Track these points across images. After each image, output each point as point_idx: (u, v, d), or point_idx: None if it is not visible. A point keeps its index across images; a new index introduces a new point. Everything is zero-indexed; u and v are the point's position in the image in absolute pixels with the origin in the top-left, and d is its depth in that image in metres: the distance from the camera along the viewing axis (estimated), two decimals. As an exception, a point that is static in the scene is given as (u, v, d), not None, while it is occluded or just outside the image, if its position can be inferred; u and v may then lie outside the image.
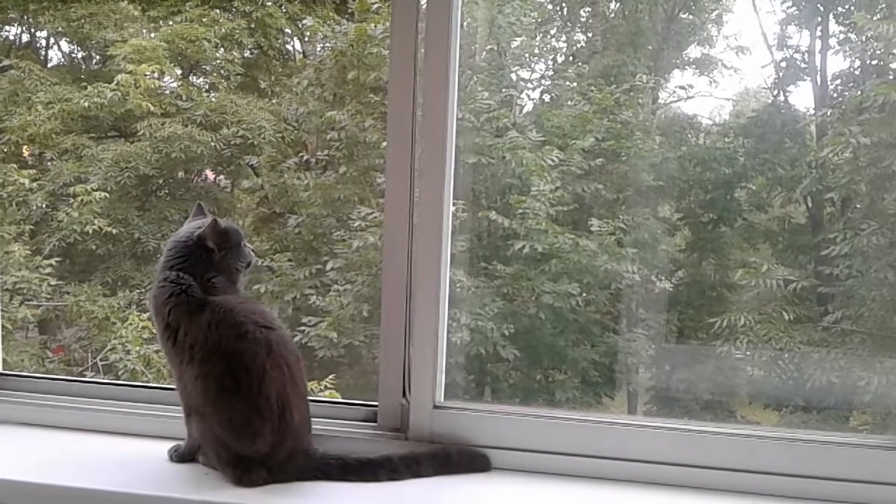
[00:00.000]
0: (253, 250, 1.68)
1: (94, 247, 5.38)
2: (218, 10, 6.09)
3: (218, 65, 6.21)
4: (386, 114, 1.66)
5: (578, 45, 6.15)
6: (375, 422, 1.70)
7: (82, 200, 5.22)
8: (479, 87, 5.15)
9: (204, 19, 5.95)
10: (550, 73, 5.89)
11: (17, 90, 5.76)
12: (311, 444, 1.55)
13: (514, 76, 5.68)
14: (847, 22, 5.03)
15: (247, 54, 6.42)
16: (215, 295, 1.54)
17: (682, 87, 5.68)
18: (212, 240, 1.58)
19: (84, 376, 4.46)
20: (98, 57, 6.57)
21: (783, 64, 5.18)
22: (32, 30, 6.56)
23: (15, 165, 5.33)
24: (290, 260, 5.37)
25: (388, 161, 1.66)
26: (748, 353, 4.53)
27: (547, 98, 5.79)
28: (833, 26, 5.19)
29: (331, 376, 4.41)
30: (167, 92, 6.00)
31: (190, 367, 1.50)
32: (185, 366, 1.51)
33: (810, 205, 4.99)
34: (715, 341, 4.51)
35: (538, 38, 5.83)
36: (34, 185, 5.30)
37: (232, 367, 1.47)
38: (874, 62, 4.83)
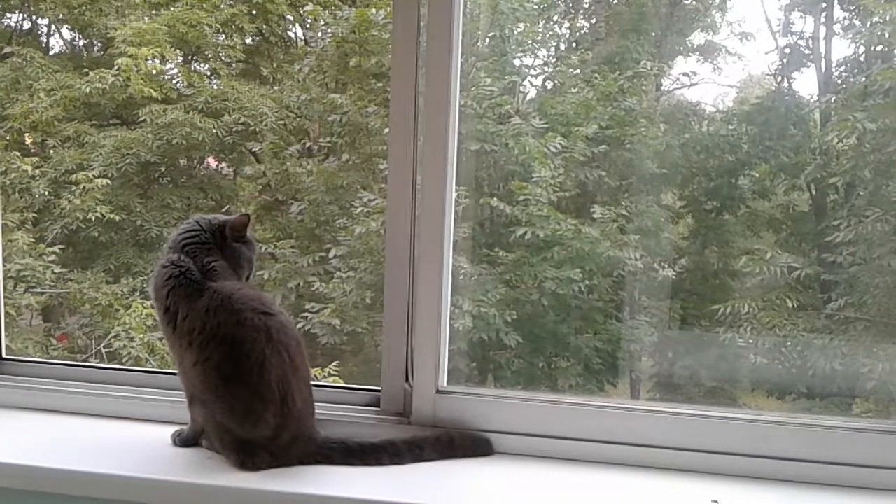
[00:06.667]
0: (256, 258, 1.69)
1: (96, 234, 5.38)
2: (219, -4, 6.08)
3: (219, 51, 6.19)
4: (388, 100, 1.66)
5: (582, 32, 6.12)
6: (378, 406, 1.70)
7: (84, 188, 5.22)
8: (481, 73, 5.13)
9: (205, 4, 5.93)
10: (554, 59, 5.86)
11: (18, 78, 5.75)
12: (314, 429, 1.56)
13: (517, 63, 5.65)
14: (852, 7, 4.99)
15: (248, 41, 6.40)
16: (214, 280, 1.54)
17: (685, 74, 5.66)
18: (233, 230, 1.60)
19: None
20: (99, 45, 6.56)
21: (787, 50, 5.14)
22: (34, 17, 6.54)
23: (17, 153, 5.33)
24: (293, 247, 5.37)
25: (390, 148, 1.65)
26: (751, 340, 4.52)
27: (550, 85, 5.77)
28: (838, 12, 5.16)
29: (334, 363, 4.42)
30: (168, 78, 6.00)
31: (189, 352, 1.50)
32: (185, 351, 1.51)
33: (814, 192, 4.97)
34: (718, 328, 4.51)
35: (541, 24, 5.80)
36: (37, 172, 5.30)
37: (231, 354, 1.48)
38: (879, 47, 4.81)
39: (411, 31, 1.61)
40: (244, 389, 1.48)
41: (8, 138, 5.53)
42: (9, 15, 6.39)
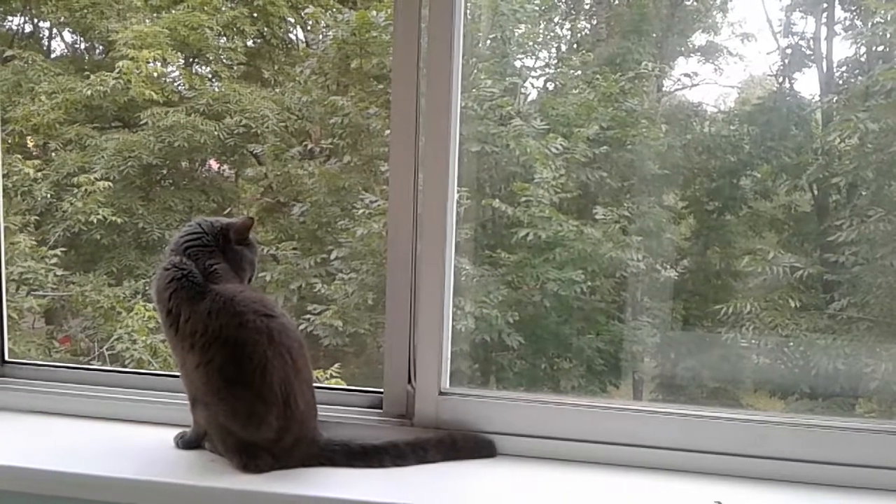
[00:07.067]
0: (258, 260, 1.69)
1: (98, 237, 5.39)
2: (220, -2, 6.09)
3: (220, 53, 6.20)
4: (389, 102, 1.65)
5: (583, 33, 6.12)
6: (381, 408, 1.70)
7: (86, 190, 5.23)
8: (482, 75, 5.13)
9: (206, 7, 5.94)
10: (555, 60, 5.87)
11: (20, 81, 5.77)
12: (316, 431, 1.56)
13: (518, 64, 5.65)
14: (853, 8, 4.99)
15: (249, 43, 6.41)
16: (216, 283, 1.54)
17: (686, 75, 5.67)
18: (237, 233, 1.60)
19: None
20: (101, 47, 6.57)
21: (788, 51, 5.14)
22: (35, 20, 6.56)
23: (20, 156, 5.33)
24: (294, 249, 5.37)
25: (391, 149, 1.65)
26: (754, 340, 4.52)
27: (551, 86, 5.77)
28: (839, 12, 5.16)
29: (336, 365, 4.42)
30: (170, 80, 6.01)
31: (191, 354, 1.50)
32: (187, 353, 1.51)
33: (816, 192, 4.96)
34: (720, 329, 4.51)
35: (542, 25, 5.80)
36: (39, 175, 5.31)
37: (233, 356, 1.48)
38: (881, 48, 4.80)
39: (412, 32, 1.61)
40: (246, 392, 1.48)
41: (10, 141, 5.54)
42: (10, 18, 6.41)
